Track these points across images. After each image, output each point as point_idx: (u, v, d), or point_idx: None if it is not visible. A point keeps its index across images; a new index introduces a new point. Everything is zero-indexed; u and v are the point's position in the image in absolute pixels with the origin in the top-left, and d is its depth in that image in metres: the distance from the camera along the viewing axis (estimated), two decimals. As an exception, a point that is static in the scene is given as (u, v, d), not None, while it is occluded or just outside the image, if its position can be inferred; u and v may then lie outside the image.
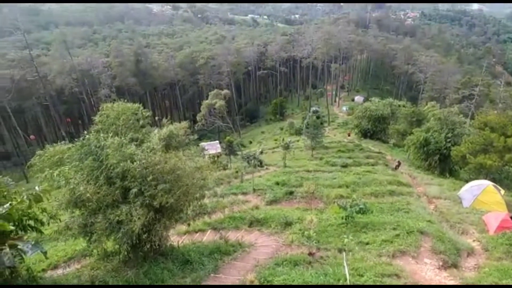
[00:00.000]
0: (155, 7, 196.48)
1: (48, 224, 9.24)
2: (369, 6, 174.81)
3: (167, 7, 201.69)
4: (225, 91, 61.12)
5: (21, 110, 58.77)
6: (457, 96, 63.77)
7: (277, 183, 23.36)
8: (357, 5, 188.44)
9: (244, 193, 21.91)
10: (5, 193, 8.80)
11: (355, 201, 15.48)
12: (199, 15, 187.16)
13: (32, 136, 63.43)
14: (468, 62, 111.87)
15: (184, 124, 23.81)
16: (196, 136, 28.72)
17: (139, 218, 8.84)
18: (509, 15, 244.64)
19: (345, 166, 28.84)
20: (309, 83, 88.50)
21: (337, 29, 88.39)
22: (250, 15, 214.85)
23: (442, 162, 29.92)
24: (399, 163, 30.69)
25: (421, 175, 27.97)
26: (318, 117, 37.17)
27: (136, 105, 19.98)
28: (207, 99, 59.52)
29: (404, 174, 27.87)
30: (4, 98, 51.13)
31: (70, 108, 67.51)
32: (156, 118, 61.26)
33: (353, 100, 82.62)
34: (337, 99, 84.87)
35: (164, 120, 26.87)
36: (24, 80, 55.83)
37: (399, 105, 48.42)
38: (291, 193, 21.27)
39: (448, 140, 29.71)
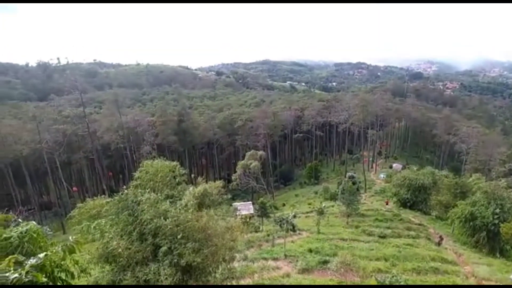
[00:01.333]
0: (201, 72, 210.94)
1: (79, 278, 9.25)
2: (407, 76, 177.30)
3: (211, 72, 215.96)
4: (261, 152, 61.92)
5: (68, 163, 62.41)
6: (503, 169, 60.29)
7: (310, 250, 22.34)
8: (394, 75, 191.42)
9: (275, 259, 21.06)
10: (42, 243, 9.03)
11: (395, 277, 14.34)
12: (240, 80, 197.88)
13: (74, 188, 66.34)
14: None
15: (219, 183, 24.03)
16: (229, 196, 28.82)
17: (166, 278, 8.66)
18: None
19: (383, 236, 27.27)
20: (345, 148, 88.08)
21: (374, 97, 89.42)
22: (288, 82, 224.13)
23: (491, 239, 27.48)
24: (442, 238, 28.54)
25: (467, 252, 25.74)
26: (354, 183, 36.31)
27: (174, 163, 20.61)
28: (243, 159, 60.36)
29: (449, 250, 25.77)
30: (55, 151, 54.87)
31: (113, 162, 70.86)
32: (192, 175, 62.50)
33: (391, 167, 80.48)
34: (374, 166, 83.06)
35: (200, 179, 27.30)
36: (75, 135, 60.09)
37: (441, 175, 46.34)
38: (324, 262, 20.15)
39: (496, 216, 27.54)
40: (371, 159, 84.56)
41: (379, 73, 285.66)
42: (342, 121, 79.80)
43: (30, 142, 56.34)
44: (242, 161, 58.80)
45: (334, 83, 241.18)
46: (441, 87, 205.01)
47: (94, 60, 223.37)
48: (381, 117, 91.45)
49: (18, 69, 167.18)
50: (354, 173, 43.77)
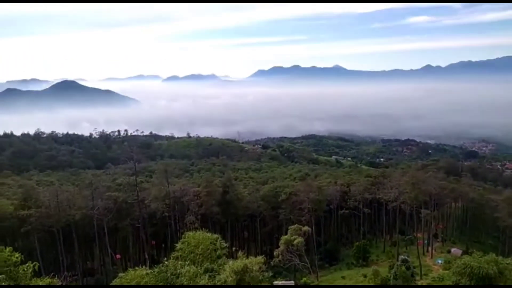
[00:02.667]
0: (247, 145, 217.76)
1: None
2: (460, 154, 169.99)
3: (258, 146, 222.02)
4: (306, 227, 59.67)
5: (115, 229, 64.05)
6: None
7: None
8: (447, 153, 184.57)
9: None
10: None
11: None
12: (285, 154, 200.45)
13: (118, 255, 66.99)
14: None
15: (260, 259, 23.12)
16: (270, 273, 27.40)
17: None
18: None
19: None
20: (396, 228, 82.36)
21: (426, 175, 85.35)
22: (334, 156, 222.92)
23: None
24: None
25: None
26: (408, 268, 33.21)
27: (215, 235, 20.45)
28: (285, 234, 58.37)
29: None
30: (105, 217, 57.00)
31: (157, 231, 71.62)
32: (233, 248, 60.96)
33: (449, 252, 73.34)
34: (429, 249, 76.09)
35: (240, 253, 26.54)
36: (125, 202, 62.42)
37: (507, 263, 41.01)
38: None
39: None
40: (426, 241, 77.89)
41: (430, 151, 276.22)
42: (392, 199, 75.87)
43: (83, 208, 59.24)
44: (285, 236, 56.80)
45: (381, 159, 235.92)
46: (500, 167, 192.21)
47: (150, 132, 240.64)
48: (435, 196, 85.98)
49: (82, 140, 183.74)
50: (408, 256, 40.20)
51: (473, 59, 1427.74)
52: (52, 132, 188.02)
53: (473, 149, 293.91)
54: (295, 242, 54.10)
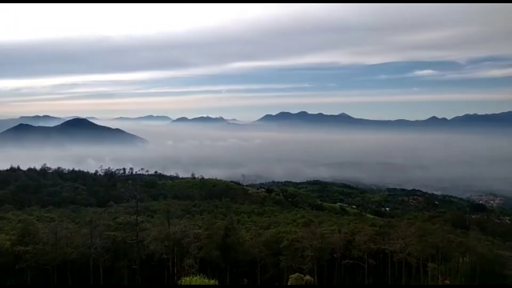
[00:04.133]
0: (251, 188, 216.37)
1: None
2: (467, 207, 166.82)
3: (262, 189, 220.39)
4: (308, 277, 57.49)
5: (111, 270, 62.35)
6: None
7: None
8: (453, 205, 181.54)
9: None
10: None
11: None
12: (289, 199, 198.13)
13: (112, 298, 64.68)
14: None
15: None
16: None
17: None
18: None
19: None
20: (402, 281, 79.08)
21: (433, 227, 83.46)
22: (338, 203, 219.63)
23: None
24: None
25: None
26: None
27: (212, 281, 19.93)
28: (286, 283, 56.24)
29: None
30: (102, 257, 55.78)
31: (153, 274, 69.45)
32: (232, 297, 58.60)
33: (458, 310, 69.64)
34: (437, 306, 72.40)
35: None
36: (124, 242, 61.29)
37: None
38: None
39: None
40: (433, 297, 74.32)
41: (436, 202, 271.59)
42: (398, 250, 73.72)
43: (80, 246, 58.22)
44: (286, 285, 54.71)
45: (387, 208, 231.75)
46: (508, 222, 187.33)
47: (156, 172, 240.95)
48: (442, 249, 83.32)
49: (87, 177, 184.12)
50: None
51: (479, 113, 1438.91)
52: (58, 168, 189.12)
53: (480, 202, 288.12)
54: (296, 292, 51.97)
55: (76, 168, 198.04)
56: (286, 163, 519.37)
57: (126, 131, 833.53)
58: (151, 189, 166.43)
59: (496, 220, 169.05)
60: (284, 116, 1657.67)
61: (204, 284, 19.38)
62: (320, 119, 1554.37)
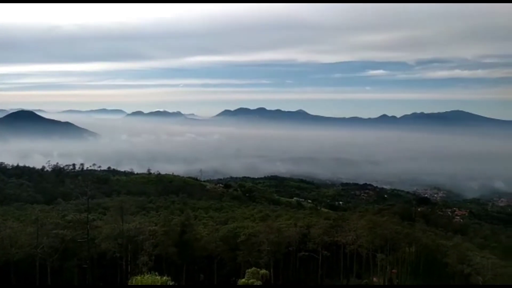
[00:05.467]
0: (209, 184, 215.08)
1: None
2: (414, 200, 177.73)
3: (220, 185, 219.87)
4: (264, 270, 58.40)
5: (60, 270, 59.31)
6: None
7: None
8: (401, 198, 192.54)
9: None
10: None
11: None
12: (247, 194, 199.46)
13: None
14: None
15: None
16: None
17: None
18: None
19: None
20: (353, 271, 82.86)
21: (382, 219, 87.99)
22: (295, 198, 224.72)
23: None
24: None
25: None
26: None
27: (165, 278, 19.68)
28: (243, 277, 56.79)
29: None
30: (49, 257, 52.87)
31: (106, 273, 67.05)
32: (188, 293, 58.14)
33: (403, 297, 74.22)
34: (385, 294, 76.68)
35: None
36: (73, 241, 58.48)
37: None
38: None
39: None
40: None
41: (386, 196, 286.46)
42: (350, 242, 77.02)
43: (26, 246, 54.78)
44: (243, 279, 55.19)
45: (341, 202, 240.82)
46: (450, 214, 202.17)
47: (109, 167, 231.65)
48: (391, 241, 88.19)
49: (33, 173, 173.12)
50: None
51: (426, 111, 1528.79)
52: (1, 163, 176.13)
53: (426, 195, 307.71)
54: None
55: (21, 164, 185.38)
56: (244, 158, 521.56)
57: (76, 124, 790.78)
58: (103, 185, 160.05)
59: (439, 212, 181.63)
60: (242, 112, 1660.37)
61: (156, 281, 19.04)
62: (278, 115, 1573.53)
